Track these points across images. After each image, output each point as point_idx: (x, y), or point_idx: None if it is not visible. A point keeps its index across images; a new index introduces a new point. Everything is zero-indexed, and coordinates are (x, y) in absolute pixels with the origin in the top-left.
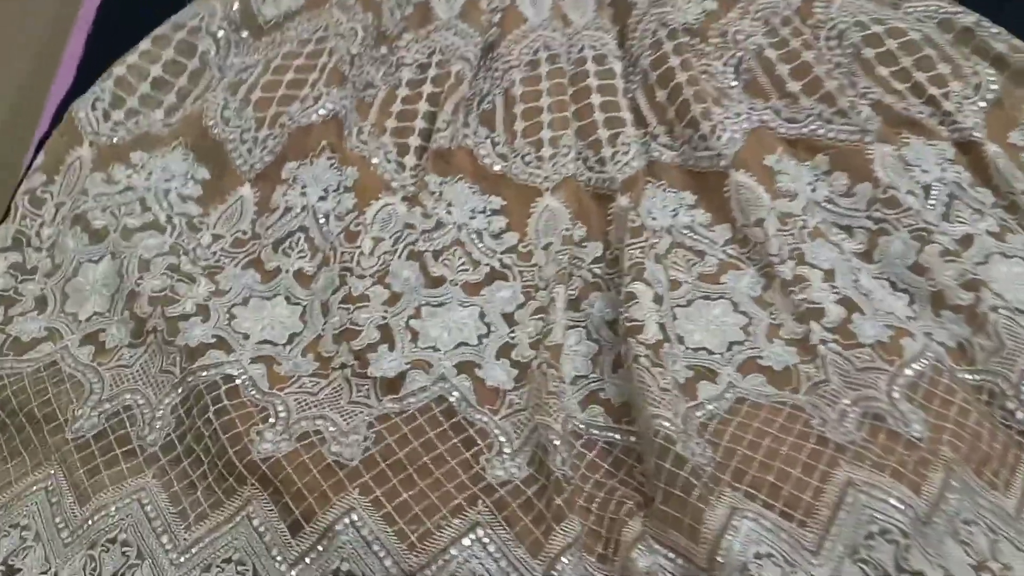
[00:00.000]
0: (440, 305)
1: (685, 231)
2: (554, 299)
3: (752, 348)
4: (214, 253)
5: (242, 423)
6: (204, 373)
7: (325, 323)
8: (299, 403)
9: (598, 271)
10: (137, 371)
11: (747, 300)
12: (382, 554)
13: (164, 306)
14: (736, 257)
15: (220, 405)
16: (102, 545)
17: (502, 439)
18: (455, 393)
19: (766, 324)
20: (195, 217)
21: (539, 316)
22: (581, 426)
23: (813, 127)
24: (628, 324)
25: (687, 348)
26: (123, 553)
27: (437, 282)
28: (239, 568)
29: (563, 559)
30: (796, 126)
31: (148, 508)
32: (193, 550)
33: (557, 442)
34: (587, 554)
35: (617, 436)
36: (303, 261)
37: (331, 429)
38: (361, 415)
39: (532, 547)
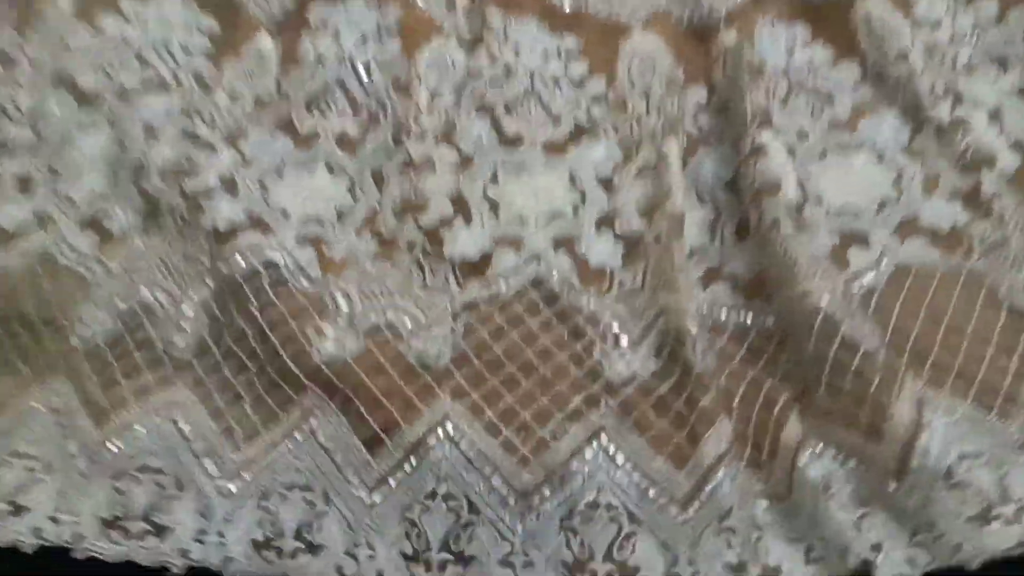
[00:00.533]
0: (521, 168)
1: (804, 71)
2: (666, 156)
3: (908, 206)
4: (234, 117)
5: (295, 319)
6: (240, 260)
7: (382, 195)
8: (363, 292)
9: (704, 122)
10: (155, 261)
11: (893, 149)
12: (488, 471)
13: (181, 180)
14: (872, 100)
15: (265, 298)
16: (130, 475)
17: (617, 327)
18: (555, 273)
19: (921, 176)
20: (206, 75)
21: (645, 178)
22: (705, 308)
23: None
24: (759, 183)
25: (829, 209)
26: (156, 484)
27: (514, 141)
28: (305, 495)
29: (718, 472)
30: None
31: (184, 427)
32: (246, 475)
33: (694, 328)
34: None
35: (750, 317)
36: (345, 122)
37: (407, 321)
38: (442, 304)
39: (674, 457)
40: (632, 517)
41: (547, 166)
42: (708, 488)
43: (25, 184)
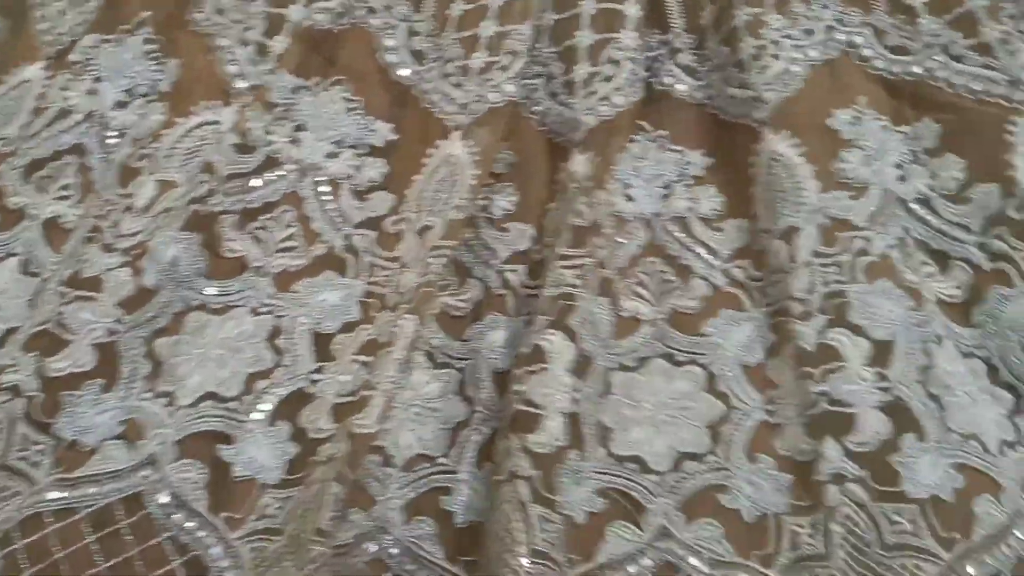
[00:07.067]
0: (220, 311)
1: (674, 228)
2: (395, 335)
3: (714, 469)
4: None
5: None
6: None
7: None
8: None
9: (514, 277)
10: None
11: (735, 373)
12: None
13: None
14: (743, 284)
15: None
16: None
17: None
18: (162, 496)
19: (755, 423)
20: None
21: (365, 356)
22: (392, 551)
23: (931, 66)
24: (517, 408)
25: (612, 456)
26: None
27: (232, 268)
28: None
29: None
30: (905, 61)
31: None
32: None
33: None
34: None
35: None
36: (65, 205)
37: None
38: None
39: None
40: None
41: (258, 310)
42: None
43: None
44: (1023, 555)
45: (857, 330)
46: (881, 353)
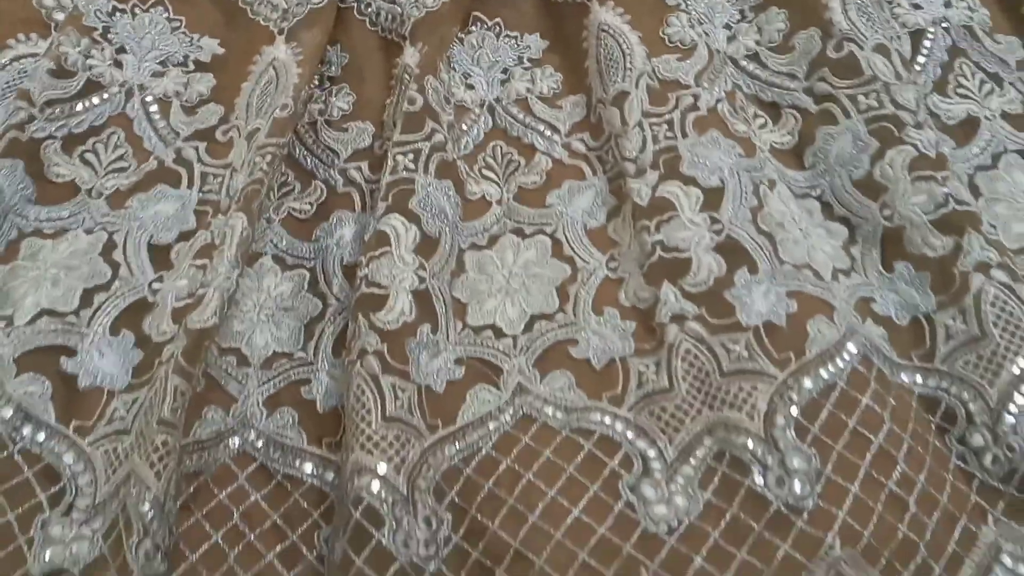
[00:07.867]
0: (56, 234)
1: (515, 109)
2: (227, 236)
3: (563, 325)
4: None
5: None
6: None
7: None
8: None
9: (357, 174)
10: None
11: (579, 236)
12: None
13: None
14: (583, 155)
15: None
16: None
17: (82, 481)
18: (5, 411)
19: (599, 279)
20: None
21: (202, 260)
22: (257, 443)
23: None
24: (363, 290)
25: (465, 328)
26: None
27: (64, 192)
28: None
29: None
30: None
31: None
32: None
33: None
34: None
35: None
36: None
37: None
38: None
39: None
40: None
41: (90, 229)
42: None
43: None
44: (858, 367)
45: (689, 181)
46: (713, 199)
